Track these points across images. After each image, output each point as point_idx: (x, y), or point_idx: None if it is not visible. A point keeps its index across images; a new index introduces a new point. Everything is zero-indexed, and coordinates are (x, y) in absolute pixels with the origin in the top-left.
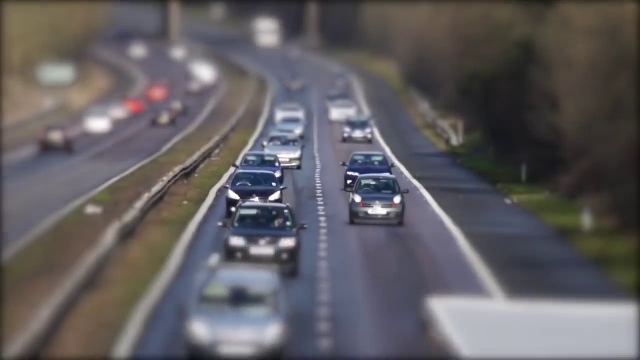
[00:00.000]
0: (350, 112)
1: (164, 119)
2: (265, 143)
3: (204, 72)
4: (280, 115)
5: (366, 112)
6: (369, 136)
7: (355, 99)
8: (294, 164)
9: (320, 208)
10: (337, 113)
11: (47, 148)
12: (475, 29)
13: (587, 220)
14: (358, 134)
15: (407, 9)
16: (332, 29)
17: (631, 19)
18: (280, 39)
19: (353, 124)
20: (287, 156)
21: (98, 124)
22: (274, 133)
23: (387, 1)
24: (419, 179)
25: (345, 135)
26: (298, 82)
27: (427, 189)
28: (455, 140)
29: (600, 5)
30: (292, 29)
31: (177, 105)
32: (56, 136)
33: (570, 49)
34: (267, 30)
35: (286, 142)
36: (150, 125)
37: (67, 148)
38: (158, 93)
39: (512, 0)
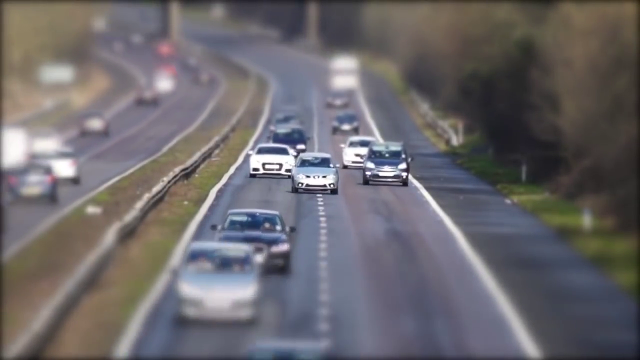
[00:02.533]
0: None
1: (205, 77)
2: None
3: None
4: (255, 159)
5: (377, 136)
6: (404, 175)
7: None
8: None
9: (320, 208)
10: (351, 154)
11: (141, 103)
12: (475, 28)
13: (587, 220)
14: (387, 170)
15: (407, 9)
16: (332, 29)
17: (631, 19)
18: (358, 79)
19: (379, 156)
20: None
21: (165, 85)
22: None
23: (387, 1)
24: (419, 179)
25: (368, 173)
26: (287, 124)
27: (427, 188)
28: (456, 140)
29: (600, 5)
30: (292, 30)
31: (206, 71)
32: (148, 93)
33: (570, 49)
34: (343, 70)
35: (254, 225)
36: (192, 83)
37: (154, 102)
38: (165, 49)
39: (512, 0)
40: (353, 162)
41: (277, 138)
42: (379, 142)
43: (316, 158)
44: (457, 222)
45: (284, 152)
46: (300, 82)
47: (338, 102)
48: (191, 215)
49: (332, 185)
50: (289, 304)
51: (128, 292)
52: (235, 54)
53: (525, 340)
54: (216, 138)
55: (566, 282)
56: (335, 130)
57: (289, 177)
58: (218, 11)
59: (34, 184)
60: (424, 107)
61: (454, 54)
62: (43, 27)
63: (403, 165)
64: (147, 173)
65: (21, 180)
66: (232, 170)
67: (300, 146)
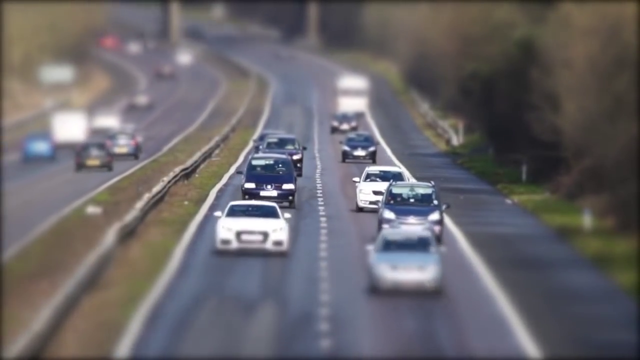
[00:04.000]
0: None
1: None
2: None
3: None
4: (226, 225)
5: (399, 169)
6: (437, 228)
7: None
8: None
9: (321, 208)
10: (368, 191)
11: (160, 77)
12: (475, 28)
13: (587, 220)
14: (413, 223)
15: (407, 9)
16: (333, 29)
17: (631, 19)
18: (369, 102)
19: (402, 202)
20: None
21: (185, 59)
22: None
23: (387, 1)
24: (419, 179)
25: (386, 226)
26: (279, 151)
27: None
28: (456, 140)
29: (600, 5)
30: (292, 30)
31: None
32: (167, 69)
33: (570, 49)
34: (352, 91)
35: None
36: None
37: (172, 76)
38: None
39: (512, 0)
40: (371, 202)
41: (252, 173)
42: (401, 183)
43: (408, 238)
44: (458, 222)
45: (271, 213)
46: (301, 82)
47: (345, 126)
48: (191, 215)
49: (431, 283)
50: (289, 303)
51: (128, 292)
52: (235, 53)
53: (525, 340)
54: (216, 138)
55: (566, 282)
56: (346, 156)
57: (282, 253)
58: (218, 11)
59: (123, 145)
60: (424, 107)
61: (454, 54)
62: (43, 27)
63: (435, 216)
64: (147, 173)
65: (114, 142)
66: (232, 169)
67: (288, 186)
